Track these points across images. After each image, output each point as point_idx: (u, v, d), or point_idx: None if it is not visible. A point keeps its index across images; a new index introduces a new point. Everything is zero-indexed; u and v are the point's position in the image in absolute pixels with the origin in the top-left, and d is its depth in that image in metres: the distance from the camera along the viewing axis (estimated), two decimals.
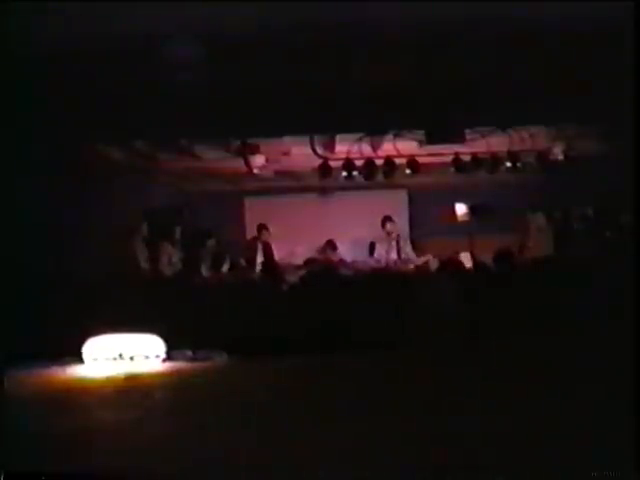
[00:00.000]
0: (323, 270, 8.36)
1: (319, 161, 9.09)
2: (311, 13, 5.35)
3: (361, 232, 10.28)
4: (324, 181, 9.63)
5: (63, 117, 6.93)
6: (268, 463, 3.58)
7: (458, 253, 9.21)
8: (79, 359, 6.87)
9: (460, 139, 8.33)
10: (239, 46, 5.92)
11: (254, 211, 11.15)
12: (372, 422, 4.32)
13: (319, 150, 8.95)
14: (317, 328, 7.07)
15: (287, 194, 11.15)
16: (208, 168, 9.88)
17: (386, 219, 9.70)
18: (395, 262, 9.31)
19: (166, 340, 6.99)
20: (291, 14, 5.35)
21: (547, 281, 7.42)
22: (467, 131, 8.34)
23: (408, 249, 9.76)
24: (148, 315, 6.95)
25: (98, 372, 6.52)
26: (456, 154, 9.20)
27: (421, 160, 9.28)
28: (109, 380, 6.17)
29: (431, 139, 8.32)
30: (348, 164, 9.13)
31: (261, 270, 8.68)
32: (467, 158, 9.25)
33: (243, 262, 9.37)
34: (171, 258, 8.70)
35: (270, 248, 9.72)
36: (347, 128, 8.19)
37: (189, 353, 7.05)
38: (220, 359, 6.90)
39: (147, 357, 6.93)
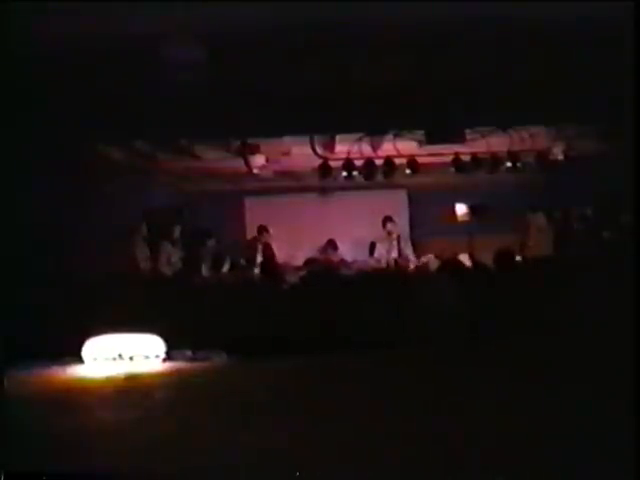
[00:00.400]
0: (323, 270, 8.37)
1: (319, 161, 9.09)
2: (311, 13, 5.35)
3: (361, 232, 10.28)
4: (324, 181, 9.63)
5: (63, 117, 6.93)
6: (268, 463, 3.58)
7: (458, 253, 9.20)
8: (79, 359, 6.87)
9: (460, 139, 8.32)
10: (239, 46, 5.93)
11: (254, 211, 11.15)
12: (372, 422, 4.32)
13: (319, 150, 8.95)
14: (317, 328, 7.07)
15: (287, 194, 11.14)
16: (208, 168, 9.88)
17: (387, 219, 9.70)
18: (396, 262, 9.30)
19: (166, 340, 6.99)
20: (291, 14, 5.35)
21: (547, 281, 7.42)
22: (467, 131, 8.34)
23: (408, 249, 9.76)
24: (148, 315, 6.95)
25: (98, 372, 6.52)
26: (456, 154, 9.20)
27: (421, 160, 9.28)
28: (109, 380, 6.17)
29: (431, 139, 8.32)
30: (348, 164, 9.13)
31: (260, 270, 8.68)
32: (467, 158, 9.25)
33: (243, 262, 9.36)
34: (171, 258, 8.70)
35: (270, 249, 9.72)
36: (347, 128, 8.19)
37: (189, 353, 7.05)
38: (220, 359, 6.90)
39: (147, 357, 6.93)
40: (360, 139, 8.73)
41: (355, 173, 9.23)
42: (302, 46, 5.97)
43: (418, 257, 9.57)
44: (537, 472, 3.31)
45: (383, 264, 9.20)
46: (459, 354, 6.49)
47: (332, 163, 9.15)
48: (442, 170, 9.59)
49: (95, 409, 5.08)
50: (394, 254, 9.52)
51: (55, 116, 6.86)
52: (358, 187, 10.23)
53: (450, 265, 8.25)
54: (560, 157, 9.22)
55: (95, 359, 6.92)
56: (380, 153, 9.17)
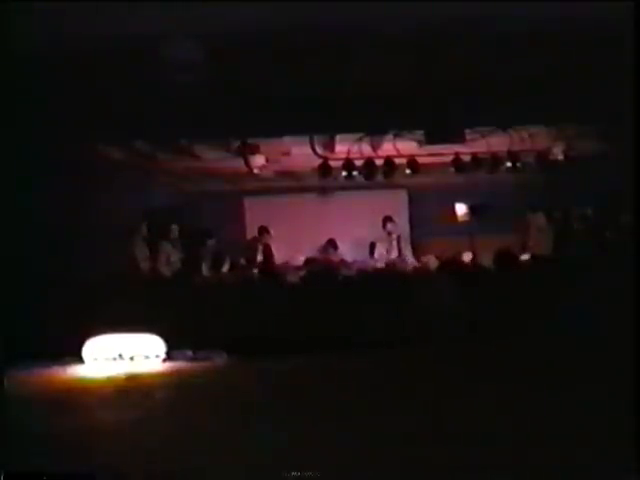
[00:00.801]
0: (323, 270, 8.36)
1: (319, 161, 9.09)
2: (311, 13, 5.34)
3: (361, 232, 10.28)
4: (324, 181, 9.62)
5: (63, 117, 6.93)
6: (268, 463, 3.59)
7: (458, 253, 9.20)
8: (79, 359, 6.87)
9: (460, 139, 8.32)
10: (239, 46, 5.92)
11: (254, 211, 11.15)
12: (372, 422, 4.33)
13: (319, 150, 8.94)
14: (317, 328, 7.08)
15: (287, 194, 11.14)
16: (208, 168, 9.87)
17: (387, 219, 9.69)
18: (395, 262, 9.30)
19: (166, 340, 6.99)
20: (291, 14, 5.35)
21: (547, 281, 7.42)
22: (467, 131, 8.34)
23: (408, 249, 9.76)
24: (148, 315, 6.96)
25: (98, 372, 6.53)
26: (456, 154, 9.20)
27: (421, 160, 9.28)
28: (109, 380, 6.17)
29: (431, 139, 8.31)
30: (348, 164, 9.13)
31: (259, 271, 8.68)
32: (467, 158, 9.24)
33: (243, 262, 9.36)
34: (170, 258, 8.70)
35: (270, 249, 9.72)
36: (347, 128, 8.18)
37: (189, 353, 7.05)
38: (220, 359, 6.90)
39: (147, 357, 6.93)
40: (360, 139, 8.73)
41: (355, 173, 9.22)
42: (302, 46, 5.96)
43: (418, 257, 9.56)
44: (537, 472, 3.32)
45: (383, 264, 9.19)
46: (459, 354, 6.49)
47: (332, 163, 9.15)
48: (442, 170, 9.58)
49: (95, 409, 5.08)
50: (394, 254, 9.52)
51: (55, 116, 6.85)
52: (358, 187, 10.22)
53: (450, 265, 8.25)
54: (560, 157, 9.21)
55: (95, 359, 6.92)
56: (380, 153, 9.16)
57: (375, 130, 8.51)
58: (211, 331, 7.06)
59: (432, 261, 8.94)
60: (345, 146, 8.92)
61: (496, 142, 8.92)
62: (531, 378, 5.34)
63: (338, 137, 8.74)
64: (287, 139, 8.70)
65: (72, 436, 4.24)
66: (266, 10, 5.24)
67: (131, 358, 6.93)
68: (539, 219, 9.26)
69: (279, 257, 9.77)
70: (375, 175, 9.29)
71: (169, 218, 9.07)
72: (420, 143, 8.82)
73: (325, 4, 5.25)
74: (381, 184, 10.01)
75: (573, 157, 9.21)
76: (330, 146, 9.02)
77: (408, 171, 9.30)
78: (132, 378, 6.21)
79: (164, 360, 6.94)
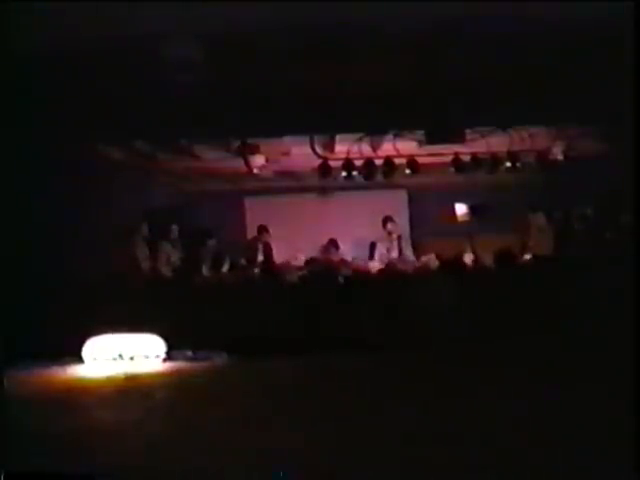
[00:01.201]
0: (323, 270, 8.36)
1: (319, 161, 9.09)
2: (311, 13, 5.34)
3: (361, 232, 10.27)
4: (324, 181, 9.62)
5: (63, 117, 6.93)
6: (268, 463, 3.58)
7: (458, 253, 9.20)
8: (79, 359, 6.87)
9: (460, 139, 8.32)
10: (239, 46, 5.92)
11: (254, 211, 11.15)
12: (372, 422, 4.33)
13: (319, 150, 8.94)
14: (317, 328, 7.08)
15: (287, 194, 11.14)
16: (208, 168, 9.87)
17: (387, 219, 9.68)
18: (396, 262, 9.29)
19: (166, 340, 6.99)
20: (291, 14, 5.34)
21: (547, 281, 7.42)
22: (467, 131, 8.34)
23: (408, 249, 9.75)
24: (148, 315, 6.96)
25: (98, 372, 6.53)
26: (456, 154, 9.20)
27: (421, 160, 9.28)
28: (109, 380, 6.17)
29: (431, 139, 8.31)
30: (348, 164, 9.13)
31: (260, 270, 8.67)
32: (467, 158, 9.24)
33: (243, 262, 9.36)
34: (171, 258, 8.69)
35: (270, 249, 9.72)
36: (347, 128, 8.18)
37: (189, 353, 7.05)
38: (220, 359, 6.90)
39: (147, 357, 6.93)
40: (360, 139, 8.73)
41: (355, 173, 9.22)
42: (302, 46, 5.96)
43: (418, 257, 9.55)
44: (537, 472, 3.31)
45: (383, 264, 9.18)
46: (459, 354, 6.49)
47: (332, 163, 9.15)
48: (442, 170, 9.58)
49: (95, 409, 5.08)
50: (394, 254, 9.51)
51: (55, 116, 6.85)
52: (358, 187, 10.22)
53: (450, 265, 8.25)
54: (560, 157, 9.21)
55: (95, 359, 6.92)
56: (380, 153, 9.16)
57: (375, 130, 8.51)
58: (211, 331, 7.05)
59: (432, 261, 8.94)
60: (345, 146, 8.92)
61: (496, 142, 8.92)
62: (531, 378, 5.33)
63: (338, 137, 8.74)
64: (287, 139, 8.70)
65: (72, 436, 4.24)
66: (266, 10, 5.24)
67: (131, 358, 6.93)
68: (539, 219, 9.25)
69: (279, 257, 9.76)
70: (375, 175, 9.29)
71: (169, 218, 9.06)
72: (420, 143, 8.82)
73: (325, 4, 5.25)
74: (381, 184, 10.01)
75: (573, 157, 9.20)
76: (330, 146, 9.02)
77: (408, 171, 9.30)
78: (132, 378, 6.21)
79: (164, 360, 6.94)
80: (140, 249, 8.44)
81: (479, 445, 3.74)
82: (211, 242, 9.05)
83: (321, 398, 5.07)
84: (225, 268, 9.06)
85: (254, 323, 7.11)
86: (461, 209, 10.88)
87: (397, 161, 9.24)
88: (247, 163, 9.01)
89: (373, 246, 9.82)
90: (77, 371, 6.61)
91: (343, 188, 10.53)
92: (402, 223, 10.62)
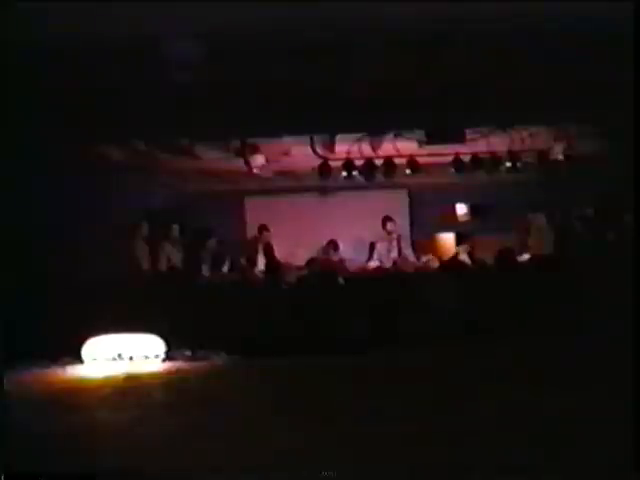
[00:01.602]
0: (324, 270, 8.36)
1: (319, 161, 9.09)
2: (311, 13, 5.34)
3: (361, 232, 10.26)
4: (324, 181, 9.62)
5: (63, 117, 6.93)
6: (268, 463, 3.58)
7: (458, 253, 9.20)
8: (79, 359, 6.87)
9: (460, 139, 8.32)
10: (239, 46, 5.92)
11: (254, 211, 11.14)
12: (372, 422, 4.32)
13: (319, 150, 8.95)
14: (317, 328, 7.08)
15: (287, 194, 11.13)
16: (208, 168, 9.87)
17: (387, 219, 9.68)
18: (396, 262, 9.29)
19: (166, 340, 6.99)
20: (291, 14, 5.34)
21: (547, 281, 7.42)
22: (467, 131, 8.34)
23: (408, 249, 9.75)
24: (148, 315, 6.96)
25: (98, 372, 6.52)
26: (456, 154, 9.20)
27: (421, 160, 9.28)
28: (109, 380, 6.17)
29: (431, 139, 8.31)
30: (348, 164, 9.13)
31: (264, 270, 8.66)
32: (467, 158, 9.24)
33: (244, 262, 9.35)
34: (171, 258, 8.70)
35: (271, 248, 9.71)
36: (347, 128, 8.19)
37: (189, 353, 7.05)
38: (219, 359, 6.90)
39: (147, 357, 6.93)
40: (360, 139, 8.73)
41: (355, 173, 9.22)
42: (302, 46, 5.96)
43: (418, 257, 9.55)
44: (537, 472, 3.31)
45: (383, 264, 9.18)
46: (459, 354, 6.49)
47: (332, 163, 9.15)
48: (442, 170, 9.58)
49: (95, 409, 5.08)
50: (394, 254, 9.51)
51: (55, 116, 6.85)
52: (358, 187, 10.22)
53: (450, 265, 8.25)
54: (560, 157, 9.21)
55: (95, 359, 6.92)
56: (380, 153, 9.16)
57: (375, 130, 8.51)
58: (211, 331, 7.06)
59: (432, 261, 8.95)
60: (345, 146, 8.92)
61: (496, 142, 8.92)
62: (531, 378, 5.33)
63: (338, 137, 8.74)
64: (287, 139, 8.70)
65: (72, 436, 4.24)
66: (266, 10, 5.24)
67: (131, 358, 6.93)
68: (539, 219, 9.26)
69: (279, 257, 9.76)
70: (375, 175, 9.29)
71: (170, 218, 9.06)
72: (420, 143, 8.82)
73: (325, 4, 5.25)
74: (381, 184, 10.01)
75: (573, 157, 9.20)
76: (330, 146, 9.02)
77: (408, 171, 9.30)
78: (132, 378, 6.21)
79: (164, 360, 6.94)
80: (140, 249, 8.45)
81: (478, 445, 3.73)
82: (211, 242, 9.05)
83: (321, 398, 5.07)
84: (225, 268, 9.06)
85: (254, 323, 7.12)
86: (461, 209, 10.88)
87: (397, 161, 9.25)
88: (247, 163, 9.01)
89: (373, 246, 9.83)
90: (77, 371, 6.61)
91: (343, 188, 10.52)
92: (402, 223, 10.62)
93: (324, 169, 9.15)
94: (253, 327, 7.09)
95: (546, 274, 7.59)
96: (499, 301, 7.24)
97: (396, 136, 8.62)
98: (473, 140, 8.60)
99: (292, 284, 7.92)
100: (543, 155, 9.34)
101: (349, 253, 10.04)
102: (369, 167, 9.17)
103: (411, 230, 11.11)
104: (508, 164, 9.23)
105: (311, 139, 8.64)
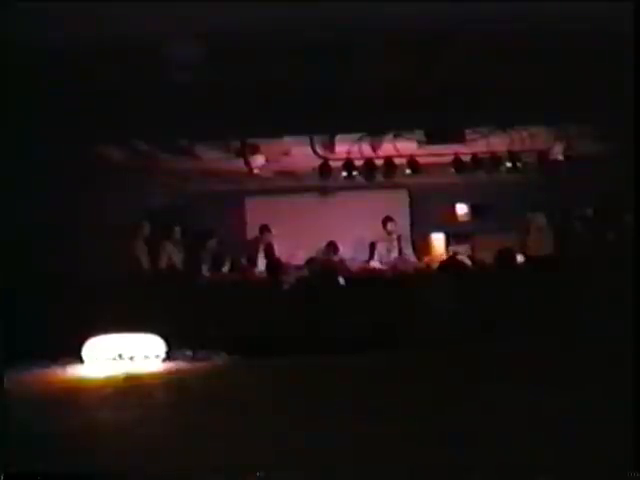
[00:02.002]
0: (323, 270, 8.36)
1: (319, 161, 9.09)
2: (311, 13, 5.34)
3: (362, 232, 10.26)
4: (324, 181, 9.62)
5: (63, 117, 6.93)
6: (268, 463, 3.58)
7: (458, 253, 9.20)
8: (79, 359, 6.87)
9: (460, 139, 8.32)
10: (239, 46, 5.92)
11: (255, 211, 11.15)
12: (372, 422, 4.32)
13: (319, 150, 8.95)
14: (317, 328, 7.08)
15: (287, 194, 11.14)
16: (208, 168, 9.87)
17: (387, 219, 9.68)
18: (396, 262, 9.29)
19: (166, 340, 6.99)
20: (291, 14, 5.34)
21: (547, 281, 7.42)
22: (467, 131, 8.34)
23: (409, 249, 9.75)
24: (148, 315, 6.96)
25: (98, 372, 6.52)
26: (456, 154, 9.20)
27: (421, 160, 9.28)
28: (109, 380, 6.17)
29: (431, 139, 8.32)
30: (348, 164, 9.13)
31: (266, 270, 8.66)
32: (467, 158, 9.24)
33: (244, 262, 9.36)
34: (172, 258, 8.70)
35: (272, 248, 9.71)
36: (347, 128, 8.19)
37: (189, 353, 7.05)
38: (220, 359, 6.90)
39: (147, 357, 6.93)
40: (360, 139, 8.73)
41: (355, 173, 9.22)
42: (302, 46, 5.96)
43: (418, 257, 9.56)
44: (537, 472, 3.31)
45: (383, 264, 9.19)
46: (459, 354, 6.49)
47: (332, 163, 9.15)
48: (442, 170, 9.58)
49: (95, 409, 5.08)
50: (394, 254, 9.51)
51: (55, 116, 6.85)
52: (358, 187, 10.22)
53: (450, 265, 8.25)
54: (560, 157, 9.21)
55: (95, 359, 6.92)
56: (380, 153, 9.16)
57: (375, 130, 8.51)
58: (211, 331, 7.06)
59: (432, 261, 8.95)
60: (345, 146, 8.93)
61: (496, 142, 8.92)
62: (531, 378, 5.33)
63: (338, 137, 8.74)
64: (287, 139, 8.70)
65: (72, 436, 4.24)
66: (266, 10, 5.24)
67: (131, 358, 6.93)
68: (539, 219, 9.26)
69: (279, 257, 9.76)
70: (375, 175, 9.29)
71: (170, 218, 9.07)
72: (420, 143, 8.82)
73: (325, 4, 5.25)
74: (381, 184, 10.01)
75: (573, 157, 9.21)
76: (330, 146, 9.02)
77: (408, 171, 9.31)
78: (132, 378, 6.21)
79: (164, 360, 6.94)
80: (141, 249, 8.45)
81: (479, 445, 3.73)
82: (211, 242, 9.05)
83: (321, 398, 5.07)
84: (225, 268, 9.06)
85: (254, 323, 7.12)
86: (461, 209, 10.89)
87: (397, 161, 9.25)
88: (247, 163, 9.02)
89: (373, 246, 9.83)
90: (77, 371, 6.61)
91: (343, 188, 10.53)
92: (402, 223, 10.62)
93: (324, 169, 9.15)
94: (253, 327, 7.09)
95: (546, 274, 7.59)
96: (499, 301, 7.24)
97: (396, 136, 8.62)
98: (473, 140, 8.61)
99: (292, 284, 7.91)
100: (543, 155, 9.35)
101: (349, 253, 10.04)
102: (369, 167, 9.17)
103: (411, 230, 11.12)
104: (508, 164, 9.24)
105: (311, 139, 8.64)
